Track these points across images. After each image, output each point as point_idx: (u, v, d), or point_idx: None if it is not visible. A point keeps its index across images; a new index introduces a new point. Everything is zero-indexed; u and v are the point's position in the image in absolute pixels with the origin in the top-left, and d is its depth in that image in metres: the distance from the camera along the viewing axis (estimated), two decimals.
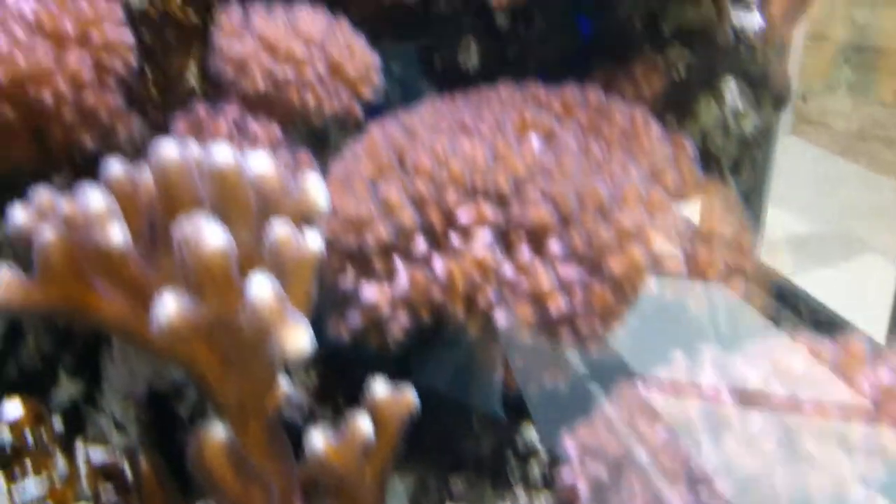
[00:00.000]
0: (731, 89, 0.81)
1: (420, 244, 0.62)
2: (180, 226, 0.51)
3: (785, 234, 1.24)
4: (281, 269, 0.52)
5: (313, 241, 0.53)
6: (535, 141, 0.65)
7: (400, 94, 0.89)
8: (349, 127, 0.78)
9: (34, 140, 0.69)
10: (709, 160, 0.82)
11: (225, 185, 0.56)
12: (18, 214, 0.58)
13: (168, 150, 0.57)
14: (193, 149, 0.59)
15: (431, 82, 0.91)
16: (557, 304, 0.58)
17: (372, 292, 0.62)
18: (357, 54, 0.77)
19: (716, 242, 0.62)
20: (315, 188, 0.57)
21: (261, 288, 0.48)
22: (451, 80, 0.89)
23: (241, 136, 0.73)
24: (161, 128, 0.75)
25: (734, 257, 0.63)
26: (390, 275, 0.63)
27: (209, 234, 0.50)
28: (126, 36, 0.71)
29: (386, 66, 0.80)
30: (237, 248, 0.51)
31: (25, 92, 0.66)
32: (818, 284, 0.92)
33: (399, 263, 0.62)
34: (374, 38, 0.80)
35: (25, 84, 0.66)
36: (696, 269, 0.61)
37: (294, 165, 0.73)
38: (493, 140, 0.64)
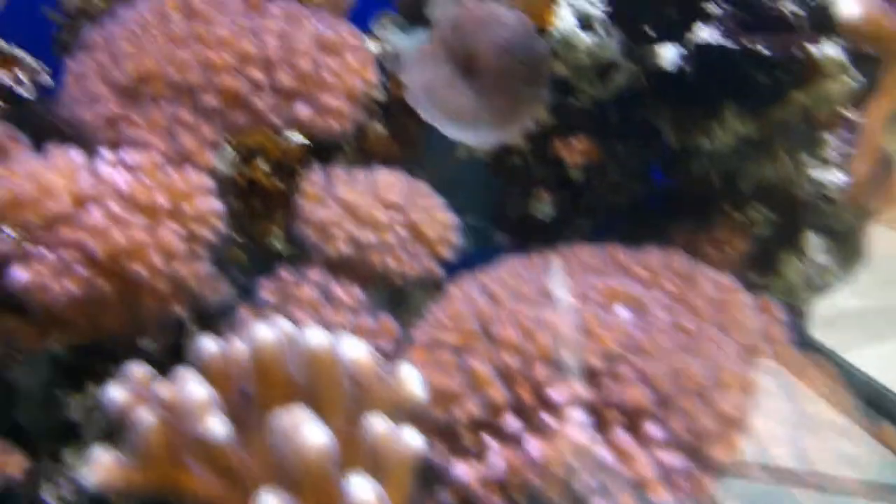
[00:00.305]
0: (814, 246, 0.80)
1: (511, 421, 0.61)
2: (279, 418, 0.51)
3: (832, 310, 1.20)
4: (380, 467, 0.51)
5: (412, 438, 0.53)
6: (623, 313, 0.64)
7: (474, 242, 0.90)
8: (429, 286, 0.79)
9: (126, 309, 0.71)
10: (795, 317, 0.81)
11: (320, 369, 0.57)
12: (116, 394, 0.59)
13: (263, 333, 0.58)
14: (287, 328, 0.60)
15: (505, 231, 0.92)
16: (661, 495, 0.56)
17: (464, 471, 0.61)
18: (436, 215, 0.78)
19: (820, 425, 0.61)
20: (411, 379, 0.57)
21: (362, 492, 0.48)
22: (525, 229, 0.90)
23: (324, 300, 0.74)
24: (247, 291, 0.76)
25: (839, 441, 0.61)
26: (480, 451, 0.62)
27: (310, 433, 0.50)
28: (215, 205, 0.74)
29: (461, 218, 0.81)
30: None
31: (121, 266, 0.68)
32: (871, 362, 0.88)
33: (491, 442, 0.61)
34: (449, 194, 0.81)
35: (121, 258, 0.68)
36: (801, 453, 0.59)
37: (377, 330, 0.73)
38: (579, 311, 0.64)
